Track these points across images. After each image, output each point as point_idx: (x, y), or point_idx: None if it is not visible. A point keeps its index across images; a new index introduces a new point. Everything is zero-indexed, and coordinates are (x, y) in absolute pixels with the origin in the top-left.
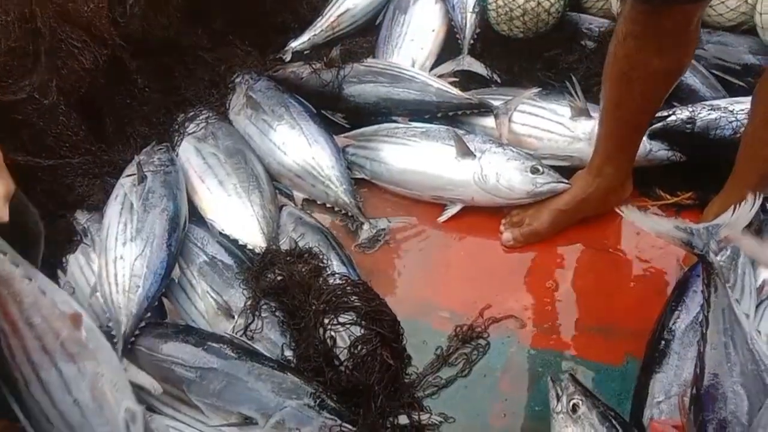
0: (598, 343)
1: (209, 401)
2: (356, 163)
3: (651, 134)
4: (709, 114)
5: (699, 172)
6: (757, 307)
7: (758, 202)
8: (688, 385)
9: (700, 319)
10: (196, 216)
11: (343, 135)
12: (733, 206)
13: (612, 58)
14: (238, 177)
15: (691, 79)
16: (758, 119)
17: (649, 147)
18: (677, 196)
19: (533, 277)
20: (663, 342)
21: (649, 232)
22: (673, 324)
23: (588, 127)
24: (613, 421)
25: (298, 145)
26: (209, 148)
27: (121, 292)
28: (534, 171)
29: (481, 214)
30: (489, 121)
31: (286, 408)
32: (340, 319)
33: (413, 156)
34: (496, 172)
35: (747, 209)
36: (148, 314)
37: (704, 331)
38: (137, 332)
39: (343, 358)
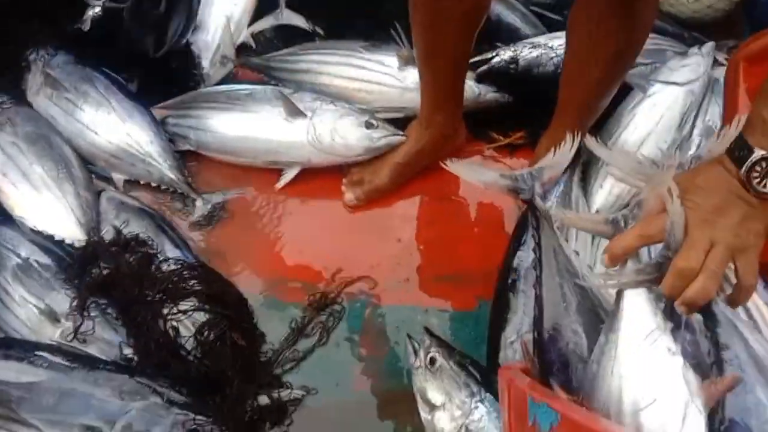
0: (450, 291)
1: (45, 416)
2: (179, 134)
3: (478, 77)
4: (531, 52)
5: (527, 110)
6: (593, 238)
7: (577, 140)
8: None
9: (533, 263)
10: (2, 215)
11: (159, 105)
12: (553, 147)
13: (413, 9)
14: (45, 165)
15: (510, 17)
16: (571, 51)
17: (477, 91)
18: (509, 136)
19: (380, 234)
20: (509, 282)
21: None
22: (517, 263)
23: (417, 75)
24: (470, 369)
25: (109, 122)
26: (7, 137)
27: None
28: (369, 126)
29: (321, 177)
30: (317, 78)
31: (131, 411)
32: (181, 307)
33: (240, 121)
34: (330, 129)
35: (567, 149)
36: None
37: (538, 274)
38: None
39: (190, 348)
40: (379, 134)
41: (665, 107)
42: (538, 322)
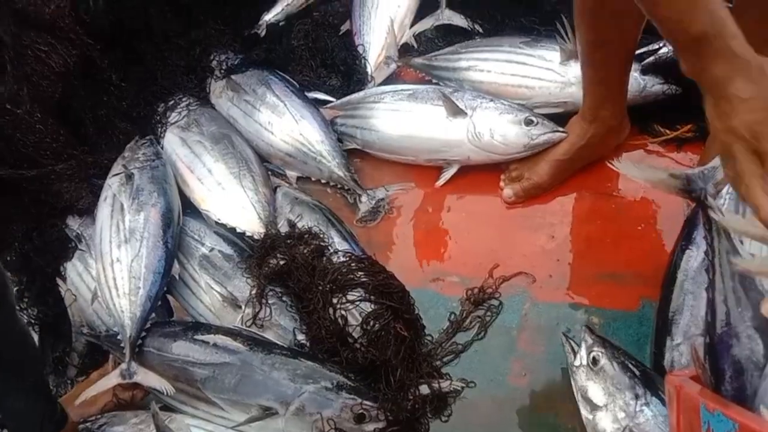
0: (612, 290)
1: (226, 396)
2: (347, 134)
3: (643, 69)
4: None
5: (697, 102)
6: None
7: None
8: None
9: (706, 266)
10: (190, 208)
11: (328, 106)
12: None
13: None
14: (227, 163)
15: None
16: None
17: (642, 83)
18: (677, 129)
19: (539, 230)
20: (677, 283)
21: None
22: (685, 263)
23: (578, 69)
24: (635, 371)
25: (284, 123)
26: (194, 137)
27: (122, 295)
28: (528, 123)
29: (480, 173)
30: (477, 75)
31: (304, 394)
32: (349, 297)
33: (403, 120)
34: (490, 128)
35: None
36: (153, 315)
37: (711, 278)
38: (144, 334)
39: (356, 336)
40: (539, 131)
41: None
42: (710, 327)
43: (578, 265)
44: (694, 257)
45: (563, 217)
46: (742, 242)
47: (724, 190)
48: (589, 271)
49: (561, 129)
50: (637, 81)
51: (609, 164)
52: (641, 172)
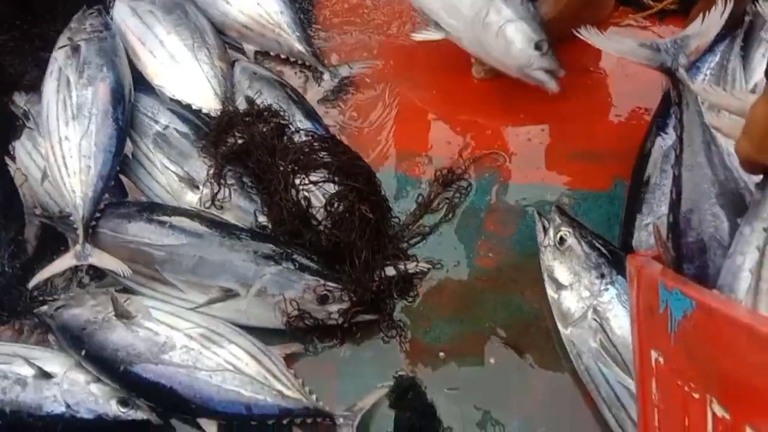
0: (584, 169)
1: (185, 278)
2: None
3: None
4: None
5: None
6: None
7: (729, 5)
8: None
9: (674, 142)
10: (142, 83)
11: None
12: (701, 14)
13: None
14: (181, 34)
15: None
16: None
17: None
18: (660, 1)
19: (510, 108)
20: (650, 161)
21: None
22: (660, 141)
23: None
24: (602, 249)
25: None
26: (145, 6)
27: (72, 174)
28: (537, 47)
29: (451, 51)
30: None
31: (265, 275)
32: (312, 178)
33: None
34: (501, 23)
35: (717, 15)
36: (107, 195)
37: (678, 153)
38: (98, 215)
39: (320, 218)
40: (540, 64)
41: None
42: (675, 204)
43: (550, 144)
44: (668, 135)
45: (536, 94)
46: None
47: (706, 65)
48: (561, 150)
49: (554, 84)
50: None
51: (575, 33)
52: (608, 42)
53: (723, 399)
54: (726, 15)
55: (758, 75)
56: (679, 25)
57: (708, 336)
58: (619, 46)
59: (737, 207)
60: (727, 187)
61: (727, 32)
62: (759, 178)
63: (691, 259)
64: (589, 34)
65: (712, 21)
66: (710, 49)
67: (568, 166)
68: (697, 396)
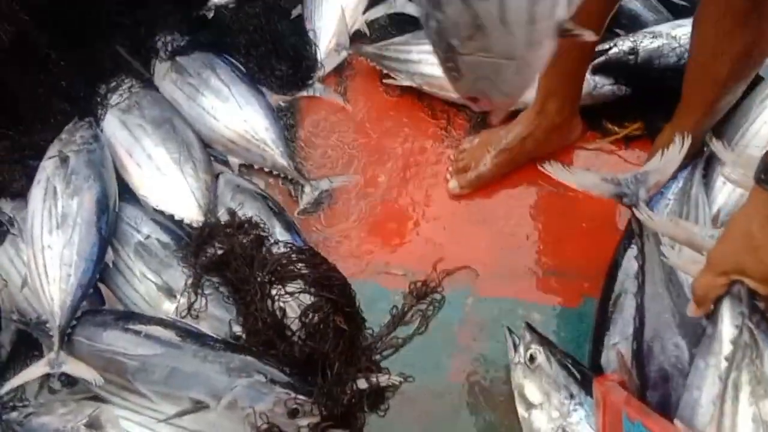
0: (554, 286)
1: (156, 388)
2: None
3: (594, 69)
4: (651, 42)
5: (647, 101)
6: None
7: (687, 143)
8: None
9: (636, 272)
10: (127, 194)
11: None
12: (661, 151)
13: None
14: (168, 148)
15: (632, 3)
16: (697, 46)
17: (593, 83)
18: (626, 127)
19: (484, 223)
20: (617, 281)
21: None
22: (626, 262)
23: None
24: (571, 369)
25: (228, 108)
26: (135, 120)
27: (52, 282)
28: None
29: (425, 165)
30: (428, 69)
31: (236, 387)
32: (288, 289)
33: None
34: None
35: (675, 152)
36: (84, 303)
37: (641, 283)
38: (74, 323)
39: (295, 329)
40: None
41: None
42: (638, 333)
43: (522, 260)
44: (635, 257)
45: (509, 211)
46: (673, 248)
47: (670, 191)
48: (532, 266)
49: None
50: (588, 81)
51: (540, 168)
52: (572, 176)
53: None
54: (684, 152)
55: (720, 200)
56: (645, 149)
57: None
58: (581, 181)
59: (698, 338)
60: (688, 318)
61: (689, 160)
62: None
63: (655, 387)
64: (552, 169)
65: (671, 157)
66: (673, 175)
67: (539, 283)
68: None
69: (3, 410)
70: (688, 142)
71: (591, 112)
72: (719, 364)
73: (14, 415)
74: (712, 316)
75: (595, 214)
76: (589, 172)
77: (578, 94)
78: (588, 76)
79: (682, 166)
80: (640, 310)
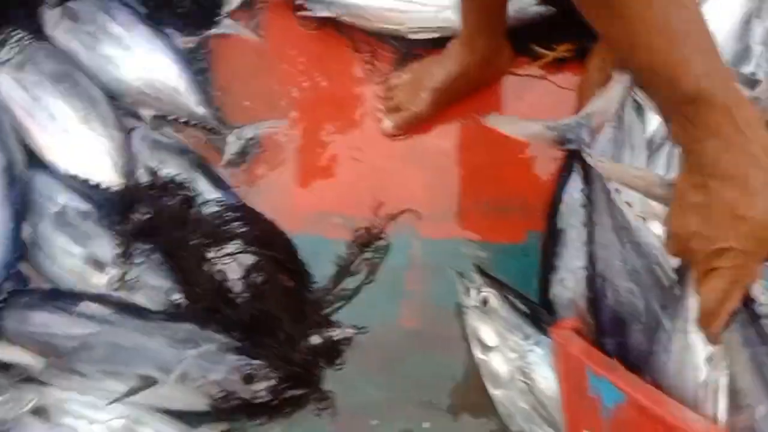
0: (497, 222)
1: (100, 367)
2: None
3: None
4: None
5: (574, 21)
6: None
7: (625, 80)
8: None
9: (584, 221)
10: (33, 160)
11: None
12: (598, 90)
13: None
14: (73, 105)
15: None
16: None
17: (518, 5)
18: (554, 50)
19: (422, 162)
20: (560, 215)
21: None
22: (568, 196)
23: None
24: (524, 309)
25: (132, 56)
26: (31, 76)
27: None
28: None
29: (355, 103)
30: None
31: (186, 359)
32: (226, 250)
33: None
34: None
35: (616, 89)
36: (8, 285)
37: (590, 230)
38: (0, 306)
39: (238, 291)
40: None
41: (724, 13)
42: (590, 280)
43: (463, 198)
44: (576, 188)
45: (445, 148)
46: (619, 191)
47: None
48: (474, 203)
49: None
50: (513, 2)
51: (481, 121)
52: (514, 126)
53: None
54: (626, 88)
55: (653, 124)
56: (577, 72)
57: (638, 429)
58: (525, 131)
59: (651, 281)
60: (640, 262)
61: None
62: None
63: (612, 334)
64: (494, 121)
65: (612, 95)
66: None
67: (482, 220)
68: None
69: None
70: (626, 77)
71: (518, 36)
72: (686, 327)
73: None
74: (682, 279)
75: (531, 145)
76: (531, 121)
77: (504, 19)
78: None
79: None
80: (590, 258)
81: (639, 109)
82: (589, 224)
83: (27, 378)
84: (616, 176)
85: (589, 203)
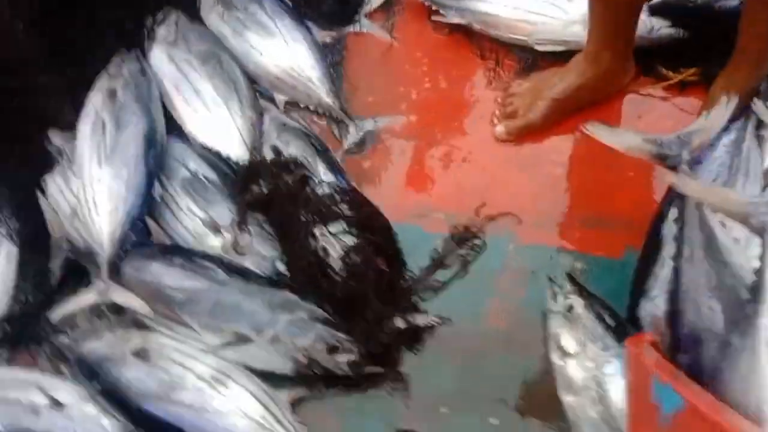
0: (598, 236)
1: (202, 320)
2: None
3: (651, 10)
4: None
5: (704, 46)
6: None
7: (733, 102)
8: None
9: (675, 235)
10: (175, 129)
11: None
12: (705, 112)
13: None
14: (215, 84)
15: None
16: None
17: (650, 25)
18: (681, 73)
19: (529, 170)
20: (660, 234)
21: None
22: (672, 215)
23: (584, 7)
24: (609, 321)
25: (274, 44)
26: (182, 54)
27: (101, 214)
28: None
29: (472, 108)
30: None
31: (279, 323)
32: (331, 229)
33: None
34: None
35: (721, 111)
36: (132, 236)
37: (679, 245)
38: (122, 254)
39: (337, 269)
40: None
41: None
42: (674, 294)
43: (566, 209)
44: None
45: (556, 158)
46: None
47: (721, 143)
48: (576, 215)
49: None
50: (645, 23)
51: (582, 128)
52: (613, 136)
53: None
54: (730, 112)
55: None
56: (701, 97)
57: None
58: (623, 142)
59: (733, 302)
60: (725, 282)
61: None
62: None
63: (686, 350)
64: (594, 129)
65: (716, 116)
66: (725, 127)
67: (582, 232)
68: None
69: (53, 334)
70: (734, 100)
71: (645, 56)
72: (755, 346)
73: (64, 339)
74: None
75: (642, 164)
76: (630, 132)
77: (632, 37)
78: (644, 17)
79: (736, 118)
80: (676, 272)
81: (760, 139)
82: (679, 238)
83: (136, 322)
84: (697, 194)
85: (681, 220)
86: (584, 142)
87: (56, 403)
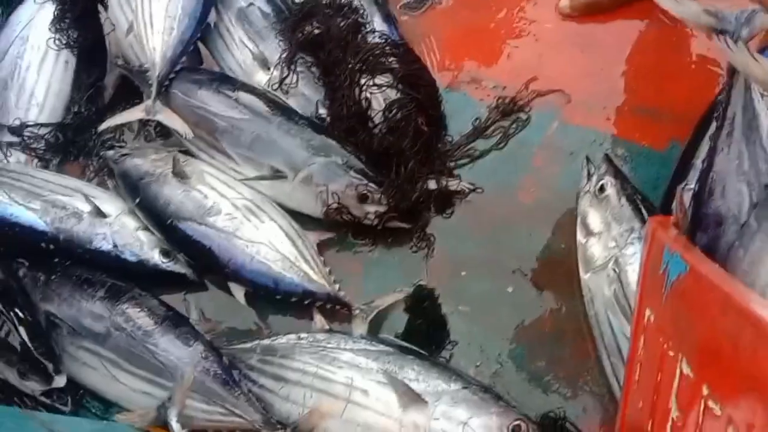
0: (645, 125)
1: (241, 151)
2: None
3: None
4: None
5: None
6: None
7: None
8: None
9: (717, 113)
10: None
11: None
12: None
13: None
14: None
15: None
16: None
17: None
18: None
19: (588, 50)
20: (708, 130)
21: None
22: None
23: None
24: (640, 205)
25: None
26: None
27: (156, 33)
28: None
29: None
30: None
31: (314, 164)
32: (377, 81)
33: None
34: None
35: None
36: (183, 59)
37: (719, 125)
38: (172, 76)
39: (377, 121)
40: None
41: None
42: (704, 173)
43: (618, 94)
44: (719, 98)
45: (617, 40)
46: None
47: None
48: (628, 101)
49: None
50: None
51: None
52: (674, 2)
53: (690, 359)
54: None
55: None
56: None
57: (692, 299)
58: (683, 10)
59: (762, 191)
60: (759, 167)
61: None
62: None
63: (705, 229)
64: None
65: None
66: None
67: (630, 119)
68: (671, 354)
69: (102, 147)
70: None
71: None
72: None
73: (111, 153)
74: None
75: (705, 56)
76: (694, 2)
77: None
78: None
79: None
80: (710, 152)
81: None
82: (721, 118)
83: (181, 147)
84: (754, 71)
85: (726, 100)
86: (652, 27)
87: (99, 212)
